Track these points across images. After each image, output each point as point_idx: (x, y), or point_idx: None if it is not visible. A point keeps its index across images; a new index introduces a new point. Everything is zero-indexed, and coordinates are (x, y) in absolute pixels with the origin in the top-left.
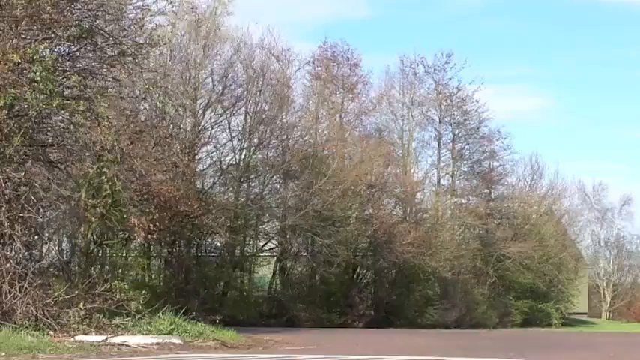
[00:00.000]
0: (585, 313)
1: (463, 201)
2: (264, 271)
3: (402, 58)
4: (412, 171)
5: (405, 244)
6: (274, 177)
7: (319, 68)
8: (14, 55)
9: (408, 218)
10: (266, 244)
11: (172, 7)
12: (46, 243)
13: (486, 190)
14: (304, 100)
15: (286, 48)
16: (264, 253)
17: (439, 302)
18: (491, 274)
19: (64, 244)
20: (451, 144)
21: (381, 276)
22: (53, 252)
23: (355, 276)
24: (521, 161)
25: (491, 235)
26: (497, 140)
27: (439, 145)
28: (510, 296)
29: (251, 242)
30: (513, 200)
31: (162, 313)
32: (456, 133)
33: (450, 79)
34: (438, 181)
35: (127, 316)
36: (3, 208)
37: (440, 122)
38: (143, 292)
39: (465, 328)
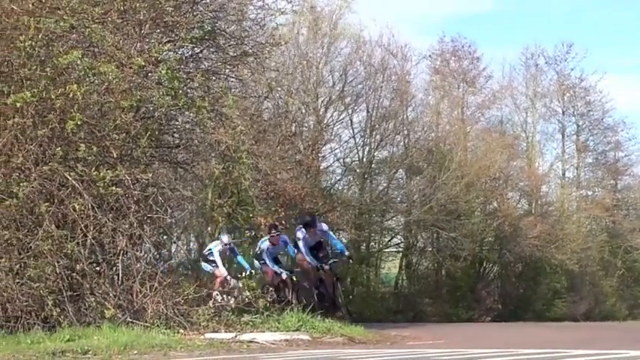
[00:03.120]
0: None
1: (589, 193)
2: (390, 267)
3: (522, 50)
4: (536, 164)
5: (531, 238)
6: (398, 172)
7: (439, 62)
8: (139, 59)
9: (533, 211)
10: (391, 239)
11: (292, 6)
12: (175, 243)
13: (612, 182)
14: (425, 95)
15: (405, 44)
16: (390, 249)
17: (567, 295)
18: (620, 266)
19: (191, 244)
20: (575, 135)
21: (507, 270)
22: (181, 251)
23: (481, 270)
24: None
25: (619, 226)
26: (622, 130)
27: (563, 136)
28: None
29: (377, 238)
30: None
31: (290, 310)
32: (580, 124)
33: (572, 69)
34: (563, 174)
35: (256, 314)
36: (132, 209)
37: (563, 114)
38: (271, 289)
39: (593, 321)
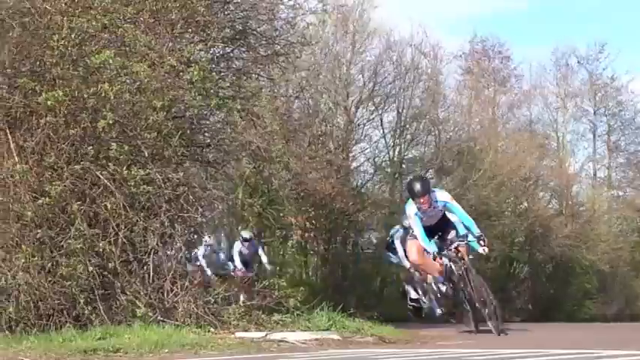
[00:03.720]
0: None
1: (620, 193)
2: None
3: (553, 49)
4: (567, 164)
5: (562, 238)
6: (428, 172)
7: (470, 62)
8: (171, 59)
9: (564, 212)
10: None
11: (323, 5)
12: (205, 242)
13: None
14: (456, 95)
15: (436, 43)
16: None
17: (597, 296)
18: None
19: (222, 243)
20: (606, 135)
21: (537, 270)
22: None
23: (512, 270)
24: None
25: None
26: None
27: (594, 136)
28: None
29: None
30: None
31: (320, 310)
32: (611, 124)
33: (604, 69)
34: (594, 174)
35: (286, 313)
36: (163, 208)
37: (594, 113)
38: (301, 289)
39: (624, 322)
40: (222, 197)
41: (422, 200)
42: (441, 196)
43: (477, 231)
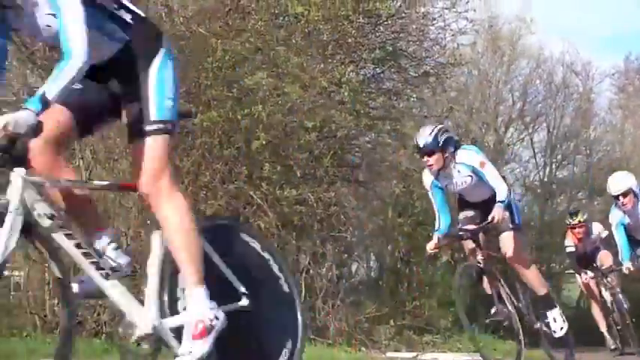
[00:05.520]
0: None
1: None
2: (570, 288)
3: None
4: None
5: None
6: (580, 193)
7: (624, 80)
8: (322, 80)
9: None
10: None
11: (473, 25)
12: (356, 261)
13: None
14: (607, 114)
15: (587, 61)
16: (571, 271)
17: None
18: None
19: (371, 262)
20: None
21: None
22: (362, 270)
23: None
24: None
25: None
26: None
27: None
28: None
29: (557, 259)
30: None
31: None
32: None
33: None
34: None
35: (437, 334)
36: (315, 228)
37: None
38: (451, 309)
39: None
40: (372, 217)
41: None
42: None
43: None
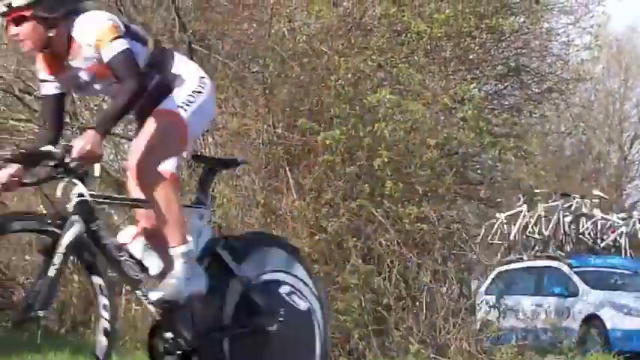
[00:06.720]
0: None
1: None
2: None
3: None
4: None
5: None
6: None
7: None
8: (444, 97)
9: None
10: None
11: (597, 40)
12: (477, 280)
13: None
14: None
15: None
16: None
17: None
18: None
19: None
20: None
21: None
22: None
23: None
24: None
25: None
26: None
27: None
28: None
29: None
30: None
31: (596, 352)
32: None
33: None
34: None
35: (560, 354)
36: (437, 246)
37: None
38: None
39: None
40: (491, 235)
41: None
42: None
43: None
